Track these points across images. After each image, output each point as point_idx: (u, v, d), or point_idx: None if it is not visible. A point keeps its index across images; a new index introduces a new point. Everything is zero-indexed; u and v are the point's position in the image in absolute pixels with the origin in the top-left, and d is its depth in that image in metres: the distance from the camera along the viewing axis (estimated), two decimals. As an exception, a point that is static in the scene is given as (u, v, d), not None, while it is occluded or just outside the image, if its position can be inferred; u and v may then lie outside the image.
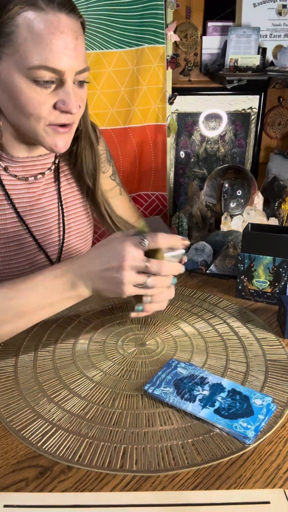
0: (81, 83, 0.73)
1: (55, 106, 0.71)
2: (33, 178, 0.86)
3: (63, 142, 0.76)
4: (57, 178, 0.90)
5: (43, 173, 0.87)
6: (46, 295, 0.68)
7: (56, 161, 0.90)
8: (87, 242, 0.99)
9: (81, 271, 0.68)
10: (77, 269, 0.68)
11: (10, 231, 0.84)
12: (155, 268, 0.66)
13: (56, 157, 0.89)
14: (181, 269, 0.69)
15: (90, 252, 0.69)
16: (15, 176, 0.83)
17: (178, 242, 0.67)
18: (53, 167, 0.89)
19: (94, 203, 0.93)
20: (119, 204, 0.96)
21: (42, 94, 0.70)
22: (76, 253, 0.96)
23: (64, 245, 0.93)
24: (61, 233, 0.92)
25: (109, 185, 0.98)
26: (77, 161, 0.89)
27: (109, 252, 0.66)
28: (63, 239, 0.93)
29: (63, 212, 0.92)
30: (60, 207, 0.91)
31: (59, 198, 0.91)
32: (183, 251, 0.68)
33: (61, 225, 0.92)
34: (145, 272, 0.66)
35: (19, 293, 0.67)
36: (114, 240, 0.67)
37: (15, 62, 0.67)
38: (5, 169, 0.82)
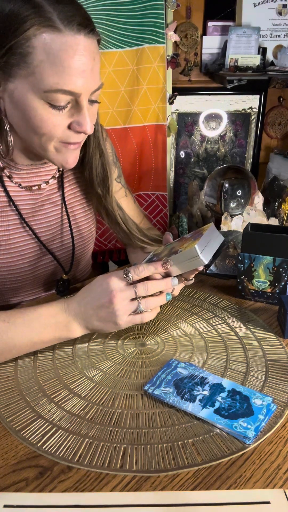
0: (92, 102, 0.72)
1: (69, 126, 0.71)
2: (36, 187, 0.86)
3: (73, 158, 0.76)
4: (61, 185, 0.90)
5: (47, 182, 0.87)
6: (40, 332, 0.70)
7: (61, 169, 0.89)
8: (88, 247, 0.99)
9: (75, 311, 0.71)
10: (72, 309, 0.71)
11: (13, 237, 0.85)
12: (142, 290, 0.68)
13: None
14: (167, 284, 0.70)
15: (81, 293, 0.72)
16: (19, 185, 0.83)
17: (159, 270, 0.69)
18: (57, 175, 0.89)
19: (105, 209, 0.93)
20: (125, 206, 0.96)
21: (57, 116, 0.69)
22: (77, 259, 0.96)
23: (69, 251, 0.93)
24: (70, 239, 0.92)
25: (115, 187, 0.98)
26: (85, 169, 0.88)
27: (96, 290, 0.70)
28: (73, 245, 0.93)
29: (69, 219, 0.91)
30: (66, 214, 0.91)
31: (64, 204, 0.91)
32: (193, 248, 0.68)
33: (67, 231, 0.92)
34: (136, 298, 0.69)
35: (14, 327, 0.69)
36: (99, 278, 0.71)
37: (31, 83, 0.66)
38: (9, 177, 0.82)
